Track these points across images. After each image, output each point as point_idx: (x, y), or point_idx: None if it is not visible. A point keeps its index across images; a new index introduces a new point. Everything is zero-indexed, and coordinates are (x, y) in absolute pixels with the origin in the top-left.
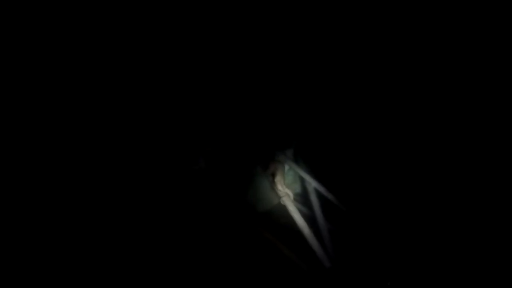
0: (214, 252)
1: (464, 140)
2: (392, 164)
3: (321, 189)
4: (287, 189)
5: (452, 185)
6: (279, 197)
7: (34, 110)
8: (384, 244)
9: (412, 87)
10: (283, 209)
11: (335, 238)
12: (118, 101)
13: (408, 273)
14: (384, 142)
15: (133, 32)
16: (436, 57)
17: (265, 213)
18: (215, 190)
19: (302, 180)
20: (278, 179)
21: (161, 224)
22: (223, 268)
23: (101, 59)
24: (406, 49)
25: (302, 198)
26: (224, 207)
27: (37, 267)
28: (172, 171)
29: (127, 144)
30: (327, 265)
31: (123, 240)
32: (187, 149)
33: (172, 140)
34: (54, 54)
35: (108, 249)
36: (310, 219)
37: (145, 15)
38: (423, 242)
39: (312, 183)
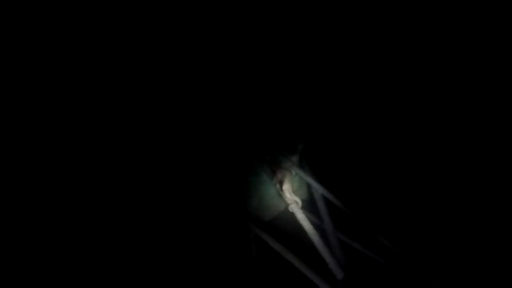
0: (220, 261)
1: (473, 146)
2: (401, 169)
3: (329, 196)
4: (295, 197)
5: (461, 189)
6: (286, 204)
7: (36, 110)
8: (395, 252)
9: (417, 92)
10: (290, 216)
11: (346, 247)
12: (119, 101)
13: (419, 279)
14: (392, 147)
15: (139, 33)
16: (442, 63)
17: (271, 221)
18: (220, 198)
19: (308, 187)
20: (286, 187)
21: (163, 232)
22: (229, 278)
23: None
24: (411, 56)
25: (309, 205)
26: (229, 215)
27: (37, 267)
28: (176, 176)
29: (128, 145)
30: (339, 276)
31: (123, 241)
32: (190, 153)
33: (174, 144)
34: (60, 55)
35: (107, 249)
36: (318, 227)
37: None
38: (433, 247)
39: (319, 190)
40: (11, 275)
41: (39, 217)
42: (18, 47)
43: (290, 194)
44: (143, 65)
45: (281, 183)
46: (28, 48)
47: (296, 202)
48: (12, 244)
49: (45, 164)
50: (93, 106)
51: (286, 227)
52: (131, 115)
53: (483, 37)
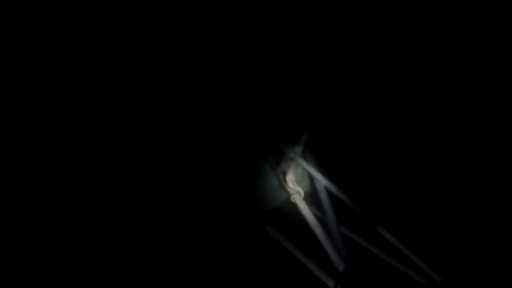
0: (219, 252)
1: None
2: (406, 163)
3: (332, 188)
4: (298, 187)
5: (466, 187)
6: (288, 194)
7: (36, 110)
8: (397, 246)
9: (423, 85)
10: (292, 207)
11: (347, 239)
12: (119, 97)
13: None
14: (398, 141)
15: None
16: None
17: (273, 211)
18: (220, 187)
19: (310, 178)
20: (290, 177)
21: (162, 224)
22: (228, 270)
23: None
24: (414, 49)
25: (311, 197)
26: (229, 204)
27: (37, 267)
28: (174, 169)
29: (129, 144)
30: (340, 268)
31: (123, 240)
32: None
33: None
34: (60, 55)
35: (108, 249)
36: (320, 220)
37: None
38: (436, 243)
39: (322, 182)
40: (11, 275)
41: (39, 217)
42: (18, 47)
43: (293, 184)
44: (143, 58)
45: (284, 173)
46: (28, 48)
47: (299, 193)
48: (11, 244)
49: (45, 164)
50: (93, 105)
51: (287, 217)
52: (129, 106)
53: (483, 37)
